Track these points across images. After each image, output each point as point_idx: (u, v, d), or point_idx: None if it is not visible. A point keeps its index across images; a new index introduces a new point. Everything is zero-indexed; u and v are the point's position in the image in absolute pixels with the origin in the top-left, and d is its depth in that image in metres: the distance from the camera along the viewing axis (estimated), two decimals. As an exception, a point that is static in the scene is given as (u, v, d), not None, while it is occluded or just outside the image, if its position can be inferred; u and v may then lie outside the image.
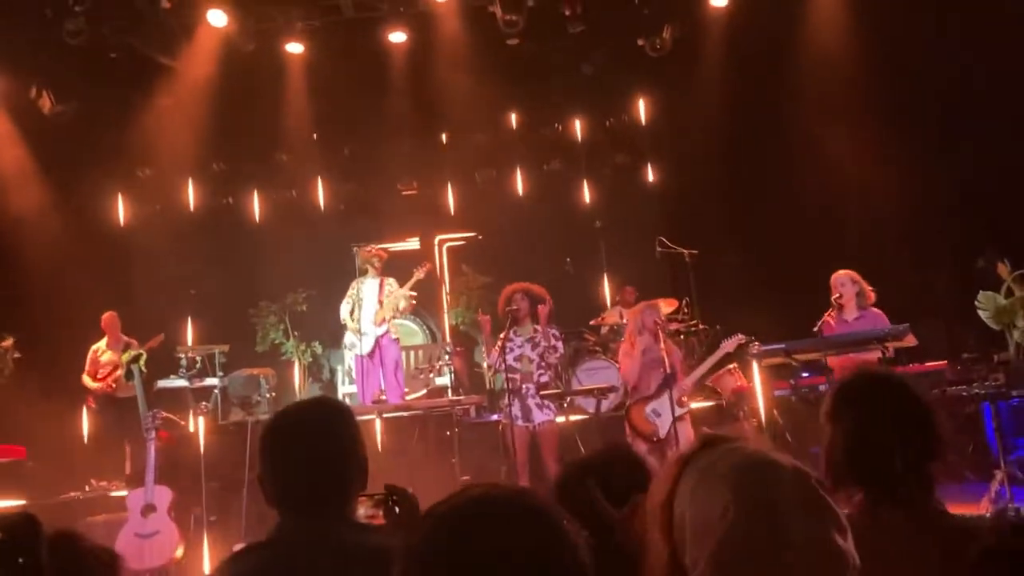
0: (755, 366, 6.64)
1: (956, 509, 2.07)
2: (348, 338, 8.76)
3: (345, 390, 9.89)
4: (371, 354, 8.53)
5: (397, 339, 8.83)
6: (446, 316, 11.06)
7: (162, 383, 8.91)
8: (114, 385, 8.71)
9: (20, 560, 0.90)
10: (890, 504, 1.97)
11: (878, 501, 1.99)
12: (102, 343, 8.92)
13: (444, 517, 1.19)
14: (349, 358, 9.20)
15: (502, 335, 6.98)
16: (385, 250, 8.92)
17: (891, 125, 9.01)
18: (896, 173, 8.88)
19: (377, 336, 8.56)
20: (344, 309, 8.77)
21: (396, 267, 8.99)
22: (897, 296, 6.97)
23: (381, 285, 8.64)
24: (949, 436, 2.05)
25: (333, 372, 10.41)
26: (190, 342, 9.74)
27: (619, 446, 2.31)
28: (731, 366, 7.74)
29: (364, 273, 8.65)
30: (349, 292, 8.73)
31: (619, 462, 2.04)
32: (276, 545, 2.06)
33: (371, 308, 8.56)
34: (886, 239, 9.04)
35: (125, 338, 8.88)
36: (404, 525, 2.27)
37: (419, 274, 8.64)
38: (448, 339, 10.78)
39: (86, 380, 8.84)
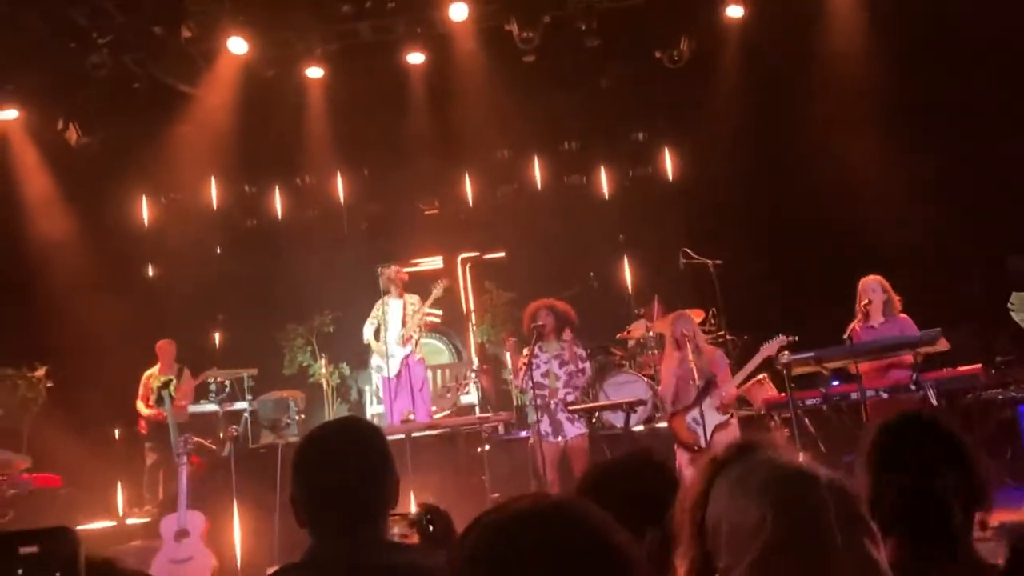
0: (785, 375, 6.56)
1: (996, 516, 2.02)
2: (375, 360, 8.82)
3: (373, 411, 9.90)
4: (398, 375, 8.57)
5: (422, 359, 8.86)
6: (471, 334, 11.06)
7: (192, 408, 8.97)
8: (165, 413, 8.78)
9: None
10: (945, 558, 1.87)
11: (930, 555, 1.87)
12: (154, 369, 8.99)
13: (493, 525, 1.17)
14: (376, 379, 9.23)
15: (526, 351, 6.98)
16: (405, 272, 8.97)
17: (917, 126, 8.94)
18: (923, 175, 8.81)
19: (403, 356, 8.60)
20: (368, 330, 8.80)
21: (420, 285, 9.02)
22: (928, 300, 6.89)
23: (404, 305, 8.70)
24: (990, 476, 1.97)
25: (361, 393, 10.43)
26: (219, 367, 9.79)
27: (642, 451, 2.29)
28: (761, 376, 7.68)
29: (387, 292, 8.71)
30: (374, 312, 8.78)
31: (642, 466, 2.02)
32: (310, 567, 2.05)
33: (396, 328, 8.60)
34: (915, 243, 8.94)
35: (178, 365, 8.96)
36: (439, 543, 2.26)
37: (437, 291, 8.67)
38: (474, 357, 10.78)
39: (139, 406, 8.89)
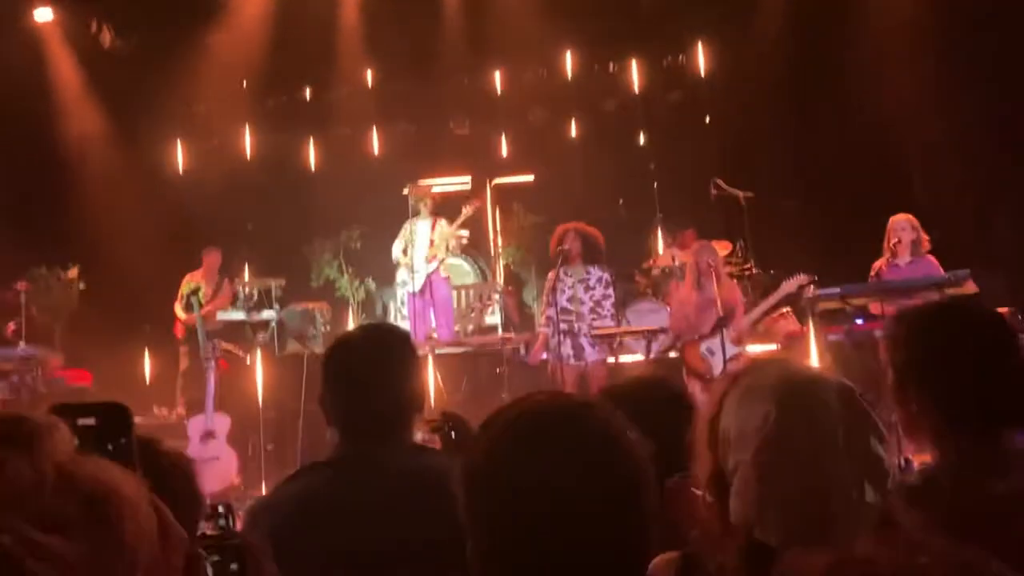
0: (809, 311, 6.56)
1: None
2: (400, 275, 8.87)
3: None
4: (422, 291, 8.62)
5: (447, 277, 8.89)
6: (498, 256, 11.09)
7: (220, 315, 9.11)
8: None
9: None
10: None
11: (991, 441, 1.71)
12: (195, 274, 9.06)
13: (510, 420, 1.22)
14: (401, 295, 9.32)
15: (551, 275, 7.00)
16: (437, 193, 8.95)
17: (952, 64, 8.71)
18: (965, 116, 8.62)
19: (428, 273, 8.63)
20: (396, 248, 8.85)
21: (449, 207, 9.03)
22: (958, 243, 6.83)
23: (433, 225, 8.71)
24: None
25: (386, 309, 10.54)
26: (247, 275, 9.92)
27: (654, 377, 2.34)
28: (785, 310, 7.68)
29: (416, 213, 8.71)
30: (402, 232, 8.81)
31: (655, 391, 2.07)
32: (336, 465, 2.14)
33: (423, 246, 8.63)
34: (946, 185, 8.80)
35: (219, 277, 9.04)
36: (460, 449, 2.34)
37: (468, 210, 8.67)
38: (499, 278, 10.83)
39: (177, 310, 8.97)
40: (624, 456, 1.17)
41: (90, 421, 0.96)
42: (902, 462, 5.81)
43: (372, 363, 2.15)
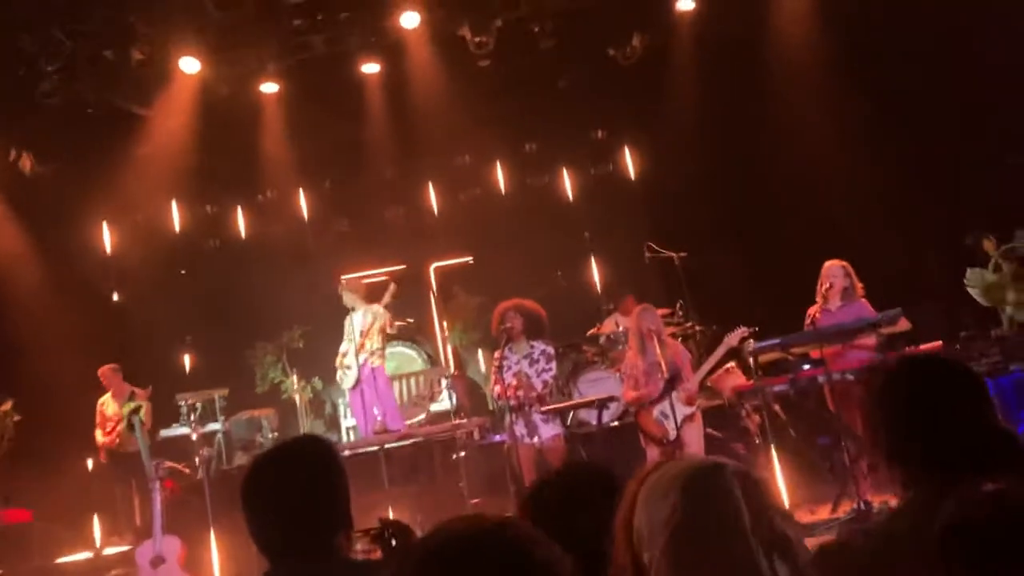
0: (752, 363, 6.62)
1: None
2: (338, 373, 8.72)
3: (348, 423, 9.87)
4: (357, 386, 8.43)
5: (381, 366, 8.68)
6: (440, 341, 11.05)
7: (164, 432, 8.89)
8: (118, 439, 8.66)
9: None
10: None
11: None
12: (107, 396, 8.88)
13: (426, 551, 1.22)
14: (347, 392, 9.19)
15: (497, 354, 6.98)
16: (365, 283, 8.85)
17: (869, 108, 9.05)
18: (879, 157, 8.92)
19: (358, 366, 8.45)
20: (342, 349, 8.72)
21: (380, 293, 8.94)
22: (889, 281, 6.99)
23: (364, 313, 8.58)
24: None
25: (335, 407, 10.39)
26: (189, 389, 9.70)
27: (581, 461, 2.32)
28: (729, 365, 7.74)
29: (352, 308, 8.63)
30: (345, 331, 8.69)
31: (583, 475, 2.04)
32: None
33: (356, 341, 8.52)
34: (874, 225, 9.05)
35: (129, 387, 8.82)
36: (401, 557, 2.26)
37: (386, 296, 8.56)
38: (449, 362, 10.77)
39: (97, 435, 8.77)
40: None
41: None
42: (861, 505, 5.86)
43: (285, 486, 2.08)
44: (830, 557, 1.66)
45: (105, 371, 8.85)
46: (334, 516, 2.10)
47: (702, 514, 1.31)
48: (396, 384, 9.70)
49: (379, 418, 8.33)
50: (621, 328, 9.26)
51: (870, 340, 6.16)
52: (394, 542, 2.37)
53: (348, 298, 8.57)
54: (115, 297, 11.22)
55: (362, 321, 8.51)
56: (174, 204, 11.18)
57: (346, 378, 8.45)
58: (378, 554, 2.40)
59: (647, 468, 1.46)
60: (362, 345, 8.42)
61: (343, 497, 2.13)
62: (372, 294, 8.78)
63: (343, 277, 8.69)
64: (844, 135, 9.11)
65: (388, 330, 8.55)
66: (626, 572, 1.39)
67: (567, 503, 1.88)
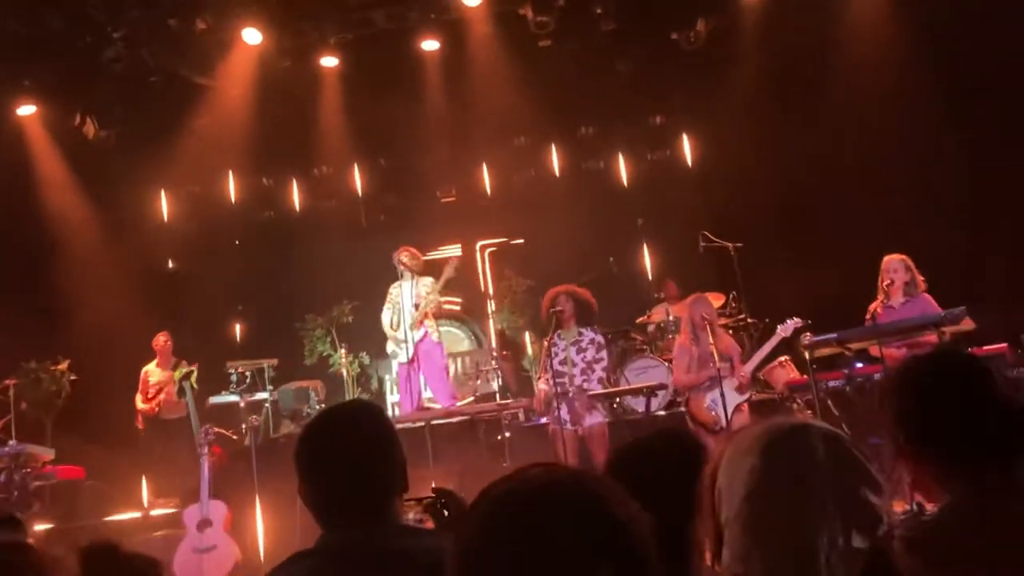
0: (807, 357, 6.48)
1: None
2: (390, 346, 8.76)
3: (393, 399, 9.90)
4: (412, 360, 8.46)
5: (440, 342, 8.74)
6: (491, 322, 11.03)
7: (214, 399, 9.01)
8: (158, 407, 8.82)
9: None
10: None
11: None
12: (152, 364, 9.06)
13: (501, 496, 1.16)
14: (395, 367, 9.22)
15: (547, 339, 6.93)
16: (418, 254, 8.82)
17: (940, 105, 8.78)
18: (946, 154, 8.66)
19: (416, 341, 8.49)
20: (385, 317, 8.75)
21: (437, 272, 8.96)
22: (949, 281, 6.78)
23: (416, 285, 8.57)
24: None
25: (381, 382, 10.44)
26: (239, 358, 9.83)
27: (673, 429, 2.24)
28: (783, 359, 7.61)
29: (401, 277, 8.63)
30: (388, 297, 8.73)
31: (673, 443, 1.98)
32: (320, 554, 2.02)
33: (408, 312, 8.52)
34: (937, 224, 8.80)
35: (175, 359, 8.99)
36: (454, 528, 2.23)
37: (448, 271, 8.56)
38: (495, 344, 10.75)
39: (137, 401, 8.98)
40: (621, 532, 1.10)
41: None
42: (915, 506, 5.70)
43: (342, 447, 2.05)
44: (914, 542, 1.59)
45: (159, 339, 9.02)
46: (392, 479, 2.07)
47: (779, 476, 1.27)
48: (443, 363, 9.72)
49: (427, 395, 8.35)
50: (671, 316, 9.16)
51: (932, 339, 5.99)
52: (446, 512, 2.35)
53: (406, 267, 8.53)
54: (170, 264, 11.40)
55: (414, 293, 8.50)
56: (230, 175, 11.27)
57: (400, 352, 8.46)
58: (430, 524, 2.38)
59: (737, 428, 1.41)
60: (421, 321, 8.45)
61: (400, 460, 2.10)
62: (428, 269, 8.80)
63: (400, 250, 8.67)
64: (910, 131, 8.86)
65: (431, 308, 8.58)
66: (710, 534, 1.35)
67: (651, 472, 1.82)
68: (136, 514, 8.19)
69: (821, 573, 1.21)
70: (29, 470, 7.52)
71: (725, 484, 1.32)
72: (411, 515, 2.36)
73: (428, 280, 8.60)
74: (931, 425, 1.81)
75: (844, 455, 1.29)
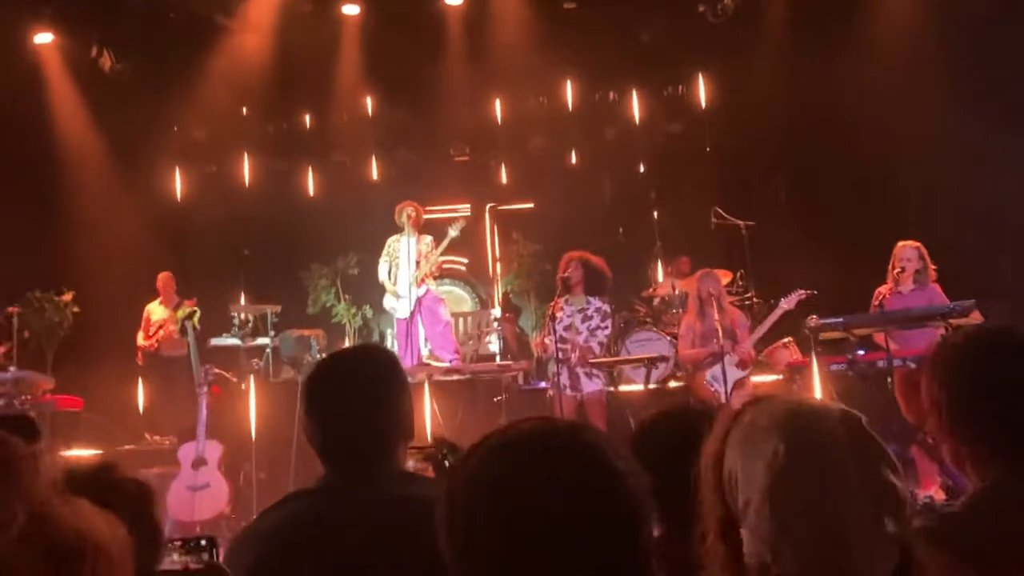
0: (812, 340, 6.47)
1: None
2: (387, 301, 8.70)
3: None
4: (411, 316, 8.42)
5: (443, 299, 8.71)
6: (497, 283, 11.02)
7: (215, 341, 9.02)
8: (157, 344, 8.87)
9: None
10: None
11: None
12: (155, 303, 9.07)
13: (496, 446, 1.15)
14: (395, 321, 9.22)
15: (552, 303, 6.93)
16: (422, 210, 8.76)
17: (967, 96, 8.66)
18: (970, 148, 8.57)
19: (418, 297, 8.45)
20: (382, 269, 8.69)
21: (437, 231, 8.90)
22: (957, 275, 6.74)
23: (417, 242, 8.51)
24: None
25: (383, 336, 10.45)
26: (243, 302, 9.84)
27: (681, 408, 2.23)
28: (786, 340, 7.60)
29: (402, 230, 8.56)
30: (386, 249, 8.67)
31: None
32: (320, 494, 2.03)
33: (408, 268, 8.48)
34: (948, 215, 8.74)
35: (178, 299, 9.00)
36: (453, 477, 2.23)
37: (453, 230, 8.51)
38: (497, 306, 10.74)
39: (139, 338, 9.01)
40: (615, 486, 1.09)
41: None
42: (926, 497, 5.70)
43: (352, 388, 2.03)
44: (937, 534, 1.54)
45: (164, 277, 9.04)
46: (399, 424, 2.06)
47: (807, 462, 1.24)
48: (444, 322, 9.72)
49: (427, 350, 8.35)
50: (677, 291, 9.13)
51: (938, 330, 5.95)
52: (447, 462, 2.34)
53: (412, 222, 8.47)
54: (178, 198, 11.36)
55: (414, 249, 8.44)
56: (244, 112, 11.18)
57: (399, 307, 8.44)
58: (430, 473, 2.38)
59: (741, 406, 1.37)
60: (422, 280, 8.42)
61: (408, 407, 2.09)
62: (431, 227, 8.75)
63: (404, 204, 8.61)
64: (935, 121, 8.75)
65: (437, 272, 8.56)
66: (714, 510, 1.33)
67: (674, 446, 1.80)
68: (132, 446, 8.25)
69: (853, 556, 1.20)
70: (28, 397, 7.54)
71: (740, 465, 1.29)
72: (412, 463, 2.35)
73: (428, 239, 8.56)
74: (976, 406, 1.69)
75: (864, 437, 1.27)
